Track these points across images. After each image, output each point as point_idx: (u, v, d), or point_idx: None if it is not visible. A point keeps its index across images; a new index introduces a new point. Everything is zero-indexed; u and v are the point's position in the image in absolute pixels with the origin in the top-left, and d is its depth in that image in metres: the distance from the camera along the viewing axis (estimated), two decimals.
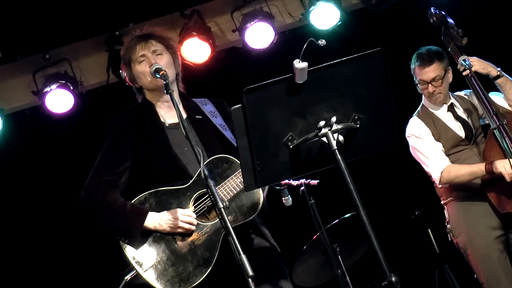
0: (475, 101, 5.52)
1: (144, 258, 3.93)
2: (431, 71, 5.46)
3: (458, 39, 5.48)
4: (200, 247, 3.93)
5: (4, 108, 6.88)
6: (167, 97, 3.95)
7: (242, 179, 3.88)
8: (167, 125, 4.21)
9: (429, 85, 5.45)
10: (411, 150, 5.57)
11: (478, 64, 5.28)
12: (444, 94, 5.50)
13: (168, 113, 4.24)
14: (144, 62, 4.19)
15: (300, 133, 3.30)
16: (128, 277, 4.02)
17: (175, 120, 4.13)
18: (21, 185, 7.49)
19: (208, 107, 4.35)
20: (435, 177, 5.36)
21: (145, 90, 4.31)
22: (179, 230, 3.93)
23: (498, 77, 5.31)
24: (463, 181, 5.26)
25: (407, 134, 5.53)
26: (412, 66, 5.55)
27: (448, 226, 5.51)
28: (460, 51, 5.44)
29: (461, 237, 5.40)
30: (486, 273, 5.29)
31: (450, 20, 5.59)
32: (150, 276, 3.89)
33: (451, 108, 5.52)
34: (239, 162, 3.85)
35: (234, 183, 3.97)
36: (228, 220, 3.56)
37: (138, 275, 3.93)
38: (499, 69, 5.33)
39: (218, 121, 4.27)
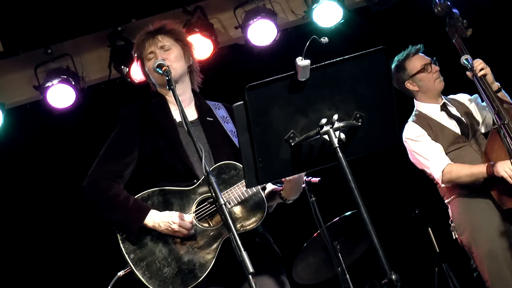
0: (467, 102, 5.59)
1: (140, 256, 3.90)
2: (423, 53, 5.59)
3: (462, 30, 5.44)
4: (197, 251, 3.89)
5: (5, 103, 6.89)
6: (179, 92, 3.90)
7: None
8: (178, 122, 4.17)
9: (433, 65, 5.55)
10: (410, 155, 5.54)
11: (490, 72, 5.26)
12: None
13: (178, 110, 4.19)
14: (153, 59, 4.16)
15: (302, 131, 3.30)
16: (121, 272, 4.00)
17: None
18: (22, 180, 7.50)
19: (220, 112, 4.31)
20: (437, 176, 5.33)
21: (157, 86, 4.30)
22: (176, 233, 3.90)
23: (497, 91, 5.29)
24: (464, 181, 5.24)
25: (404, 139, 5.50)
26: (404, 63, 5.60)
27: (452, 224, 5.47)
28: (464, 42, 5.40)
29: (465, 234, 5.35)
30: (490, 270, 5.21)
31: (455, 11, 5.55)
32: (143, 274, 3.85)
33: (444, 108, 5.54)
34: None
35: (239, 190, 3.93)
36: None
37: (132, 272, 3.90)
38: (497, 83, 5.31)
39: (229, 127, 4.23)
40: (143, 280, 3.84)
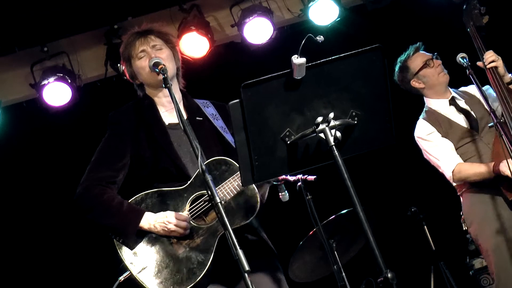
0: (477, 93, 5.52)
1: (138, 259, 3.90)
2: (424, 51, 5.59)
3: (478, 18, 5.42)
4: (195, 250, 3.90)
5: (1, 101, 6.87)
6: (168, 93, 3.87)
7: (240, 182, 3.87)
8: (167, 124, 4.17)
9: (435, 59, 5.53)
10: (423, 153, 5.55)
11: (502, 64, 5.25)
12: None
13: (168, 112, 4.21)
14: (144, 58, 4.16)
15: (298, 129, 3.30)
16: (122, 278, 3.99)
17: (175, 120, 4.10)
18: (17, 178, 7.48)
19: (209, 110, 4.32)
20: (448, 176, 5.36)
21: (146, 87, 4.29)
22: (173, 233, 3.90)
23: (509, 83, 5.28)
24: (473, 181, 5.25)
25: (416, 138, 5.53)
26: (406, 63, 5.60)
27: (462, 216, 5.47)
28: (478, 30, 5.39)
29: (473, 226, 5.33)
30: (496, 263, 5.18)
31: None
32: (143, 277, 3.85)
33: (452, 102, 5.52)
34: (237, 165, 3.84)
35: (231, 185, 3.93)
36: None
37: (132, 276, 3.90)
38: (510, 75, 5.30)
39: (219, 123, 4.24)
40: (143, 283, 3.84)
